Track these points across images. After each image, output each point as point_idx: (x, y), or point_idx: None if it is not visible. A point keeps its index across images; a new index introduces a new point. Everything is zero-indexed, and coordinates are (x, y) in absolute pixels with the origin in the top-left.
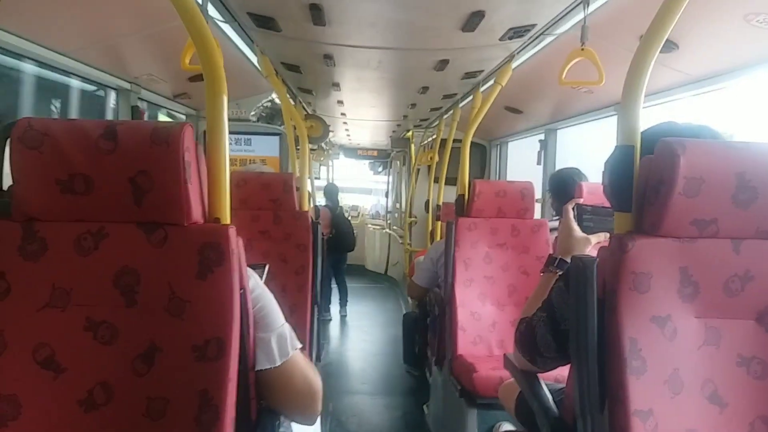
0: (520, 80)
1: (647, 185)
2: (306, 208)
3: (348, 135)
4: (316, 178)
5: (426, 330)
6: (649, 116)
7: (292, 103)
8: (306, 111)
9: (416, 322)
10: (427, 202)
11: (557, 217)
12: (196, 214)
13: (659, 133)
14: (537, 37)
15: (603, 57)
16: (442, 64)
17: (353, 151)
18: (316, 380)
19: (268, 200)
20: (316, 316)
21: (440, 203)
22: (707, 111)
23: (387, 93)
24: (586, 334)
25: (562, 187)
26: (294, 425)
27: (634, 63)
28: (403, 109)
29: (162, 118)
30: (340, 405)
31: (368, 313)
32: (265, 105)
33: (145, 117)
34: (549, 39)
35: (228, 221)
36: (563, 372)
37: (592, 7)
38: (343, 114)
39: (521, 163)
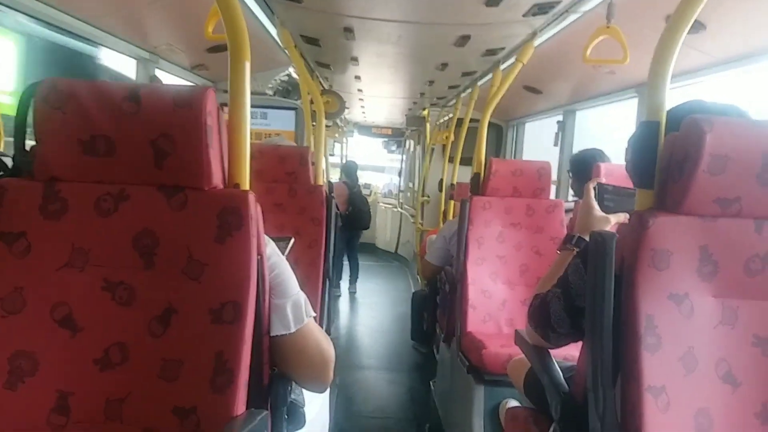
0: (542, 59)
1: (671, 162)
2: (321, 182)
3: (363, 112)
4: (330, 155)
5: (435, 307)
6: (673, 99)
7: (309, 77)
8: (323, 86)
9: (425, 300)
10: (440, 182)
11: (576, 199)
12: (217, 178)
13: (686, 111)
14: (562, 14)
15: (627, 37)
16: (463, 40)
17: (368, 129)
18: (329, 349)
19: (283, 173)
20: (327, 290)
21: (454, 182)
22: (735, 93)
23: (405, 69)
24: (602, 309)
25: (584, 167)
26: (304, 392)
27: (663, 39)
28: (420, 86)
29: None
30: (347, 379)
31: (377, 290)
32: (281, 79)
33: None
34: (573, 17)
35: (248, 187)
36: (572, 351)
37: None
38: (359, 90)
39: (537, 145)
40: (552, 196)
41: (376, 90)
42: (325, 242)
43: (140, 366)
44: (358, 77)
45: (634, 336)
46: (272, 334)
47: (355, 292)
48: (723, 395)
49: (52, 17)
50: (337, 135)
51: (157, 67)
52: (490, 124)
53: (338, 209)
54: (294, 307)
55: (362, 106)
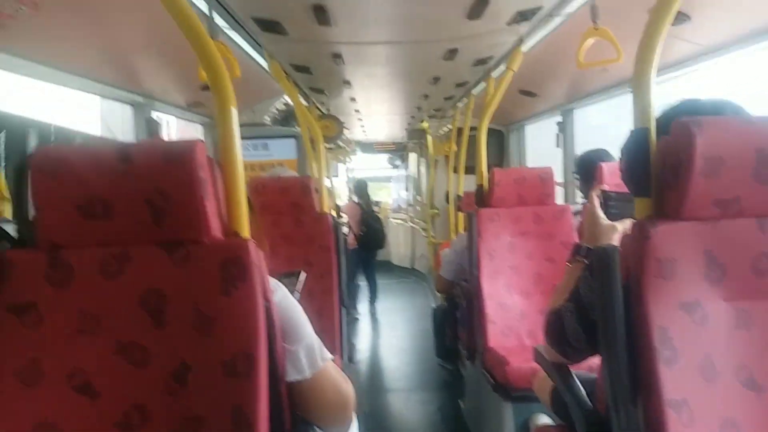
0: (533, 63)
1: (665, 168)
2: (326, 209)
3: (363, 130)
4: (334, 176)
5: (456, 323)
6: (674, 89)
7: (305, 104)
8: (320, 111)
9: (446, 315)
10: (447, 194)
11: (585, 201)
12: (215, 229)
13: (680, 113)
14: (545, 19)
15: (616, 33)
16: (452, 53)
17: (370, 146)
18: (348, 390)
19: (287, 204)
20: (344, 318)
21: (460, 194)
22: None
23: (398, 86)
24: (614, 325)
25: (590, 169)
26: None
27: (644, 43)
28: (416, 100)
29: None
30: (376, 404)
31: (397, 308)
32: (279, 108)
33: (161, 129)
34: (558, 20)
35: (247, 234)
36: (596, 360)
37: None
38: (357, 111)
39: (542, 144)
40: (560, 198)
41: (373, 109)
42: (337, 269)
43: (160, 426)
44: (353, 99)
45: (649, 349)
46: (288, 379)
47: (375, 313)
48: (747, 402)
49: (42, 73)
50: (341, 156)
51: (153, 110)
52: (491, 129)
53: (353, 230)
54: (307, 351)
55: (362, 125)
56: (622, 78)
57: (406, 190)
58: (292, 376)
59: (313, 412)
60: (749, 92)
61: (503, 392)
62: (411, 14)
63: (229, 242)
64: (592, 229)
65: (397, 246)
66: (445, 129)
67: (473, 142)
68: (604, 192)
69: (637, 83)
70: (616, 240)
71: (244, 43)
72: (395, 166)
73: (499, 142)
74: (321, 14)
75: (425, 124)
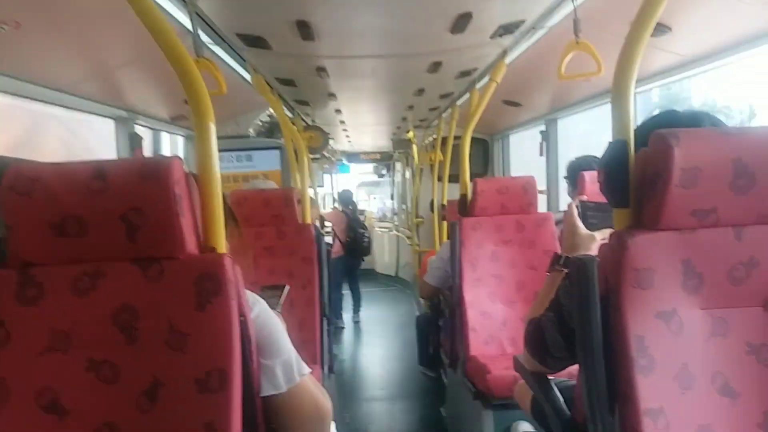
0: (516, 74)
1: (644, 179)
2: (309, 220)
3: (349, 141)
4: (319, 186)
5: (439, 331)
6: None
7: (290, 115)
8: (305, 122)
9: (429, 323)
10: (432, 202)
11: (566, 209)
12: (191, 245)
13: (658, 124)
14: (528, 32)
15: (597, 45)
16: (436, 66)
17: (356, 156)
18: (325, 404)
19: (270, 216)
20: (325, 328)
21: (445, 202)
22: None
23: (383, 98)
24: (591, 334)
25: (578, 174)
26: None
27: (624, 55)
28: (401, 111)
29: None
30: (357, 413)
31: (381, 317)
32: (263, 120)
33: (144, 143)
34: (541, 32)
35: (224, 250)
36: (576, 368)
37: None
38: (342, 122)
39: (526, 153)
40: (544, 206)
41: (359, 120)
42: (319, 280)
43: None
44: (338, 110)
45: (626, 358)
46: (262, 394)
47: (359, 322)
48: (723, 409)
49: (25, 90)
50: (326, 166)
51: (136, 123)
52: (475, 139)
53: (338, 238)
54: (284, 366)
55: (347, 136)
56: (606, 88)
57: (392, 198)
58: (267, 390)
59: (289, 426)
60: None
61: (484, 400)
62: (394, 29)
63: (205, 258)
64: (571, 238)
65: (382, 254)
66: (430, 139)
67: (458, 151)
68: (582, 202)
69: (617, 95)
70: (594, 250)
71: (227, 56)
72: (381, 175)
73: (483, 151)
74: (305, 29)
75: (411, 134)
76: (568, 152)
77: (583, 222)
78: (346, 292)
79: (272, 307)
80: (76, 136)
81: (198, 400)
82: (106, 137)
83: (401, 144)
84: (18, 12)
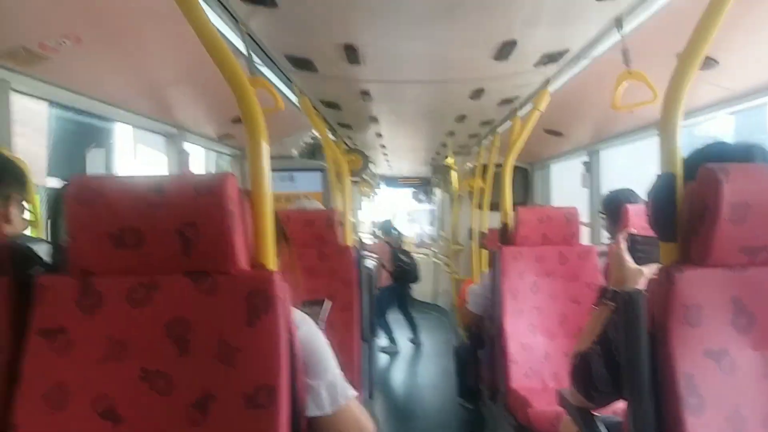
0: (559, 103)
1: (692, 214)
2: (350, 242)
3: (389, 165)
4: (358, 209)
5: (478, 362)
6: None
7: (333, 138)
8: (347, 145)
9: (468, 354)
10: (471, 230)
11: (611, 240)
12: (242, 261)
13: (707, 157)
14: (572, 61)
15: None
16: (478, 92)
17: (394, 180)
18: (369, 429)
19: (311, 237)
20: (365, 353)
21: (484, 230)
22: None
23: (424, 123)
24: (639, 371)
25: (616, 208)
26: None
27: (671, 88)
28: (441, 137)
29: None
30: None
31: (418, 345)
32: (306, 141)
33: (190, 159)
34: (585, 62)
35: (273, 267)
36: (621, 404)
37: (626, 29)
38: (382, 146)
39: (566, 184)
40: (586, 239)
41: (398, 144)
42: (359, 303)
43: None
44: (379, 134)
45: (675, 397)
46: (307, 415)
47: (420, 344)
48: None
49: (80, 103)
50: (366, 188)
51: (185, 141)
52: (515, 167)
53: (386, 268)
54: (329, 387)
55: (387, 160)
56: (648, 121)
57: (431, 225)
58: (312, 411)
59: None
60: None
61: None
62: (439, 55)
63: (255, 274)
64: (619, 272)
65: (420, 281)
66: (470, 165)
67: (498, 178)
68: (630, 235)
69: (665, 128)
70: (642, 284)
71: (275, 78)
72: (420, 201)
73: (523, 179)
74: (351, 53)
75: (450, 160)
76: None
77: (631, 255)
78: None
79: (315, 323)
80: None
81: (247, 415)
82: None
83: (440, 170)
84: (79, 27)
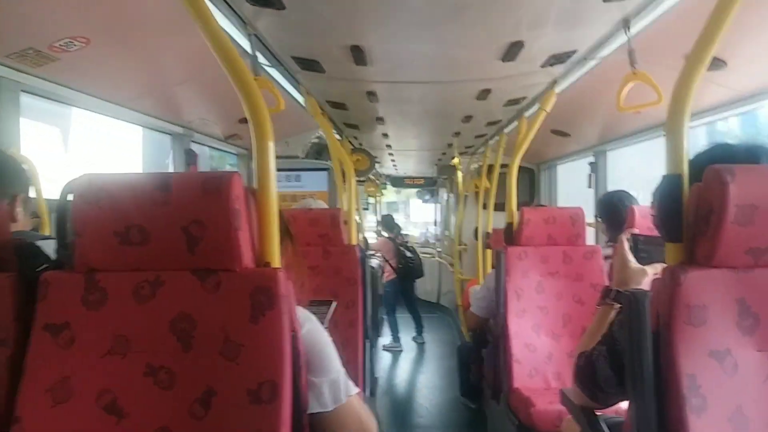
0: (566, 104)
1: (697, 215)
2: (354, 241)
3: (394, 165)
4: (364, 209)
5: (482, 361)
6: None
7: (339, 138)
8: (353, 145)
9: (471, 353)
10: (476, 230)
11: (610, 243)
12: (247, 259)
13: (713, 158)
14: (579, 62)
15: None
16: (485, 93)
17: (400, 180)
18: (372, 426)
19: (316, 236)
20: (368, 350)
21: (489, 230)
22: None
23: (430, 124)
24: (642, 370)
25: (612, 211)
26: None
27: (678, 88)
28: (447, 137)
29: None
30: None
31: (422, 343)
32: (312, 141)
33: (198, 159)
34: (592, 63)
35: (278, 265)
36: (623, 404)
37: (633, 30)
38: (388, 146)
39: (573, 184)
40: (591, 239)
41: (405, 144)
42: (363, 302)
43: None
44: (386, 134)
45: (678, 396)
46: (309, 411)
47: (423, 343)
48: None
49: (89, 104)
50: (372, 189)
51: (192, 141)
52: (522, 167)
53: (389, 263)
54: (332, 385)
55: (392, 160)
56: (656, 121)
57: (435, 224)
58: (314, 408)
59: None
60: None
61: None
62: (446, 56)
63: (260, 272)
64: (622, 272)
65: (423, 280)
66: (475, 165)
67: (503, 179)
68: (634, 235)
69: (671, 128)
70: (645, 284)
71: (282, 78)
72: (425, 201)
73: (529, 180)
74: (358, 54)
75: (456, 161)
76: (613, 187)
77: (635, 255)
78: (400, 317)
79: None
80: None
81: (249, 410)
82: None
83: (446, 170)
84: (88, 29)
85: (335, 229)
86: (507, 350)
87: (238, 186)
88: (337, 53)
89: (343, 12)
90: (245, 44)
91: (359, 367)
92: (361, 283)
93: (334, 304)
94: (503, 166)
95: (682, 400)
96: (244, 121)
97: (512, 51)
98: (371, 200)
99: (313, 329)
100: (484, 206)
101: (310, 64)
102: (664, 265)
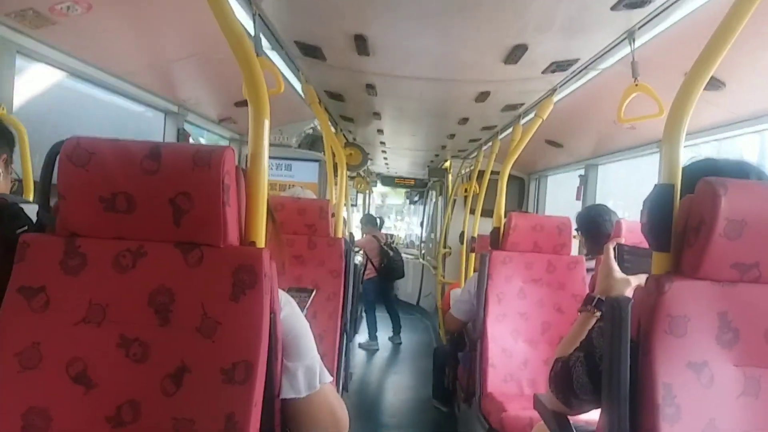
0: (562, 114)
1: (687, 225)
2: (341, 234)
3: (386, 163)
4: (353, 205)
5: (457, 364)
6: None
7: (333, 130)
8: (346, 139)
9: (447, 357)
10: (462, 234)
11: (589, 256)
12: (233, 236)
13: (698, 171)
14: (580, 71)
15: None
16: (483, 95)
17: (391, 179)
18: (344, 416)
19: (303, 225)
20: (345, 344)
21: (475, 235)
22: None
23: (426, 123)
24: (619, 376)
25: (592, 225)
26: None
27: (677, 101)
28: (442, 139)
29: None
30: None
31: (398, 344)
32: (306, 132)
33: (190, 140)
34: (592, 74)
35: (263, 245)
36: (594, 416)
37: (637, 43)
38: (382, 143)
39: (561, 196)
40: (575, 250)
41: (399, 142)
42: (344, 295)
43: (151, 425)
44: (380, 131)
45: (652, 405)
46: (282, 396)
47: (400, 344)
48: None
49: (85, 72)
50: (361, 186)
51: (185, 121)
52: (511, 176)
53: (372, 262)
54: (307, 372)
55: (385, 158)
56: (649, 138)
57: (421, 226)
58: (287, 393)
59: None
60: None
61: None
62: (448, 53)
63: (244, 250)
64: (606, 280)
65: (405, 281)
66: (467, 170)
67: (493, 185)
68: (619, 245)
69: (667, 139)
70: (628, 293)
71: (282, 64)
72: (413, 202)
73: (519, 189)
74: (361, 44)
75: (447, 164)
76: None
77: (619, 265)
78: (379, 315)
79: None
80: None
81: (222, 389)
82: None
83: (437, 173)
84: None
85: (323, 221)
86: (483, 354)
87: (230, 161)
88: (340, 41)
89: None
90: (249, 25)
91: (334, 360)
92: (344, 276)
93: (314, 292)
94: (494, 172)
95: (657, 409)
96: (239, 104)
97: (515, 54)
98: (360, 200)
99: (292, 313)
100: (472, 211)
101: (311, 51)
102: (648, 276)
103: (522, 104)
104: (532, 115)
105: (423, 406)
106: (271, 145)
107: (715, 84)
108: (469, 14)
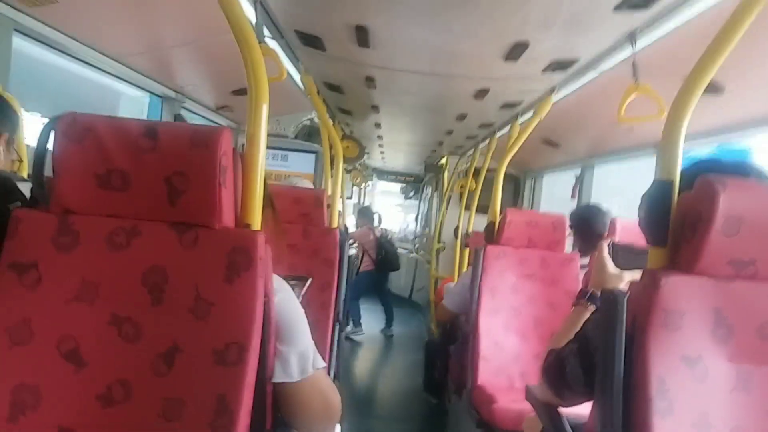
0: (560, 114)
1: (685, 221)
2: (336, 225)
3: (383, 158)
4: (348, 198)
5: (448, 357)
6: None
7: (331, 122)
8: (344, 132)
9: (438, 350)
10: (456, 229)
11: (582, 254)
12: (228, 218)
13: (699, 170)
14: (580, 72)
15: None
16: (482, 92)
17: (387, 174)
18: (336, 402)
19: (298, 214)
20: (337, 333)
21: (470, 231)
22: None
23: (424, 118)
24: (612, 369)
25: (585, 224)
26: None
27: (677, 102)
28: (439, 135)
29: None
30: (353, 427)
31: (390, 336)
32: (303, 123)
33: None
34: (592, 74)
35: (259, 228)
36: (584, 409)
37: (639, 45)
38: (379, 137)
39: (556, 196)
40: (568, 248)
41: (396, 137)
42: (337, 285)
43: (142, 404)
44: (378, 124)
45: (645, 398)
46: (274, 380)
47: (392, 336)
48: None
49: (82, 54)
50: (358, 179)
51: (182, 107)
52: (507, 175)
53: (368, 254)
54: (300, 356)
55: (382, 152)
56: (646, 140)
57: (416, 220)
58: (279, 377)
59: (296, 417)
60: None
61: (488, 429)
62: (449, 47)
63: (239, 232)
64: (599, 275)
65: (398, 275)
66: (463, 167)
67: (488, 182)
68: (614, 243)
69: (668, 134)
70: (621, 288)
71: (282, 53)
72: (408, 197)
73: (514, 188)
74: (362, 35)
75: (444, 160)
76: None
77: (614, 261)
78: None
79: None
80: None
81: (213, 371)
82: None
83: (433, 168)
84: None
85: (318, 210)
86: (475, 347)
87: (228, 142)
88: (341, 32)
89: None
90: (249, 10)
91: (326, 349)
92: (338, 266)
93: (309, 280)
94: (490, 170)
95: (649, 402)
96: (237, 93)
97: (516, 51)
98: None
99: (287, 298)
100: (467, 207)
101: (312, 41)
102: (642, 272)
103: (520, 103)
104: (529, 114)
105: (413, 398)
106: (268, 134)
107: (714, 87)
108: (472, 7)
